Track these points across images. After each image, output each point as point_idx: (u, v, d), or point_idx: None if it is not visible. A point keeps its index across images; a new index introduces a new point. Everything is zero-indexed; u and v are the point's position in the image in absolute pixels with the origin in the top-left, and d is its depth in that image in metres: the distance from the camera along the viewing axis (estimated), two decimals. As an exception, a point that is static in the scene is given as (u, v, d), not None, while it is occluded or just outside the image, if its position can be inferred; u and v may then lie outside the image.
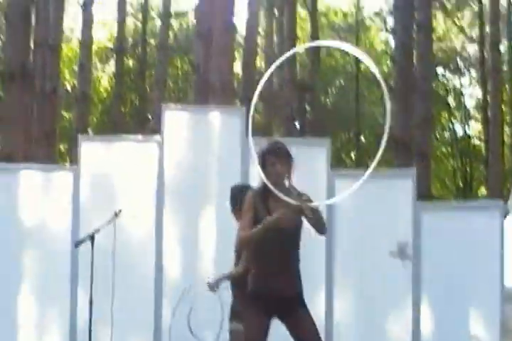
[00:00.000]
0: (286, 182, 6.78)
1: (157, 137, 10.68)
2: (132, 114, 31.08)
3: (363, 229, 10.30)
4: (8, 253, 10.51)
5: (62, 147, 30.63)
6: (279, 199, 6.54)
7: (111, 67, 34.91)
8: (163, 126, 10.62)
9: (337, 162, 29.77)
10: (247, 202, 6.88)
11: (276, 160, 6.75)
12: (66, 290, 10.32)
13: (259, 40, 29.84)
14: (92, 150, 10.71)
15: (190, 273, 10.09)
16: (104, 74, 37.37)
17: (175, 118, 10.70)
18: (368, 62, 6.36)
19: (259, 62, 30.52)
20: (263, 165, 6.79)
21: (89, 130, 30.40)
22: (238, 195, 8.23)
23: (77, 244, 8.93)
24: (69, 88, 32.84)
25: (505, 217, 11.45)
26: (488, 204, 11.63)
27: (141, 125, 27.80)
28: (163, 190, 10.35)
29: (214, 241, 10.24)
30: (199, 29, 16.51)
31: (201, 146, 10.52)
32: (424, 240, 10.34)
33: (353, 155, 34.94)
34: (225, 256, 8.50)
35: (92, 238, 8.61)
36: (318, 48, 29.38)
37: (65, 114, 31.64)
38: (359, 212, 10.35)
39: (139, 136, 11.26)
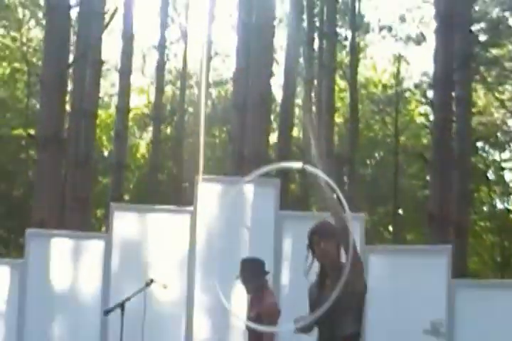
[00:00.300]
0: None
1: (190, 208, 10.77)
2: (169, 182, 31.16)
3: (397, 307, 10.23)
4: (39, 320, 10.57)
5: (99, 212, 30.74)
6: (335, 280, 6.62)
7: (148, 133, 35.12)
8: (196, 197, 10.72)
9: (374, 235, 29.65)
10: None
11: (320, 240, 6.83)
12: (95, 359, 10.35)
13: (297, 111, 29.99)
14: (124, 219, 10.82)
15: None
16: (142, 141, 37.61)
17: (208, 189, 10.79)
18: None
19: (297, 132, 30.63)
20: (310, 245, 6.88)
21: (126, 197, 30.58)
22: (247, 268, 8.38)
23: (106, 312, 8.95)
24: (106, 154, 33.05)
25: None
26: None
27: (178, 193, 27.91)
28: (195, 261, 10.42)
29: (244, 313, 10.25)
30: (235, 99, 16.66)
31: (234, 217, 10.61)
32: (459, 319, 10.25)
33: (390, 228, 34.77)
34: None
35: (122, 307, 8.67)
36: (356, 119, 29.48)
37: (103, 180, 31.79)
38: (394, 288, 10.29)
39: (172, 207, 11.31)
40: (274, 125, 28.03)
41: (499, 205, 36.49)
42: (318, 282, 6.92)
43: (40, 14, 31.87)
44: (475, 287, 10.85)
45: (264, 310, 8.22)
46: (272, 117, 28.15)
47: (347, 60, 32.33)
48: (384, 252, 10.91)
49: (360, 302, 6.80)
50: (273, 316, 8.21)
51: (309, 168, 6.96)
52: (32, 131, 22.88)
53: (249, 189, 10.86)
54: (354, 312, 6.83)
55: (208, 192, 10.77)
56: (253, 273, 8.45)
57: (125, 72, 26.45)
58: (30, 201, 20.20)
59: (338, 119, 31.32)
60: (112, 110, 32.99)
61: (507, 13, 28.47)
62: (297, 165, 6.43)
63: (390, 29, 35.60)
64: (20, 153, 30.38)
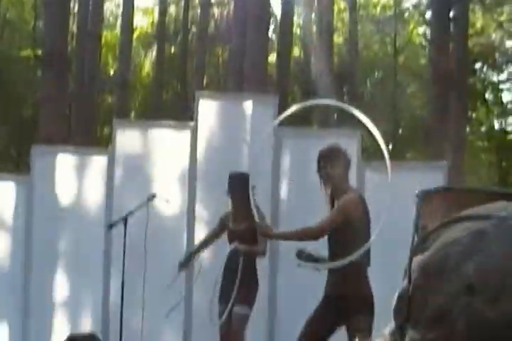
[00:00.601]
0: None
1: (191, 123, 10.73)
2: (173, 100, 31.01)
3: (392, 220, 10.20)
4: (46, 233, 10.62)
5: (105, 130, 30.63)
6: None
7: (153, 53, 34.84)
8: (197, 113, 10.66)
9: (374, 153, 29.61)
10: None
11: (325, 164, 6.91)
12: (99, 270, 10.41)
13: (297, 31, 29.72)
14: (126, 135, 10.77)
15: (221, 256, 10.09)
16: (147, 60, 37.33)
17: (208, 105, 10.74)
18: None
19: (297, 51, 30.40)
20: (318, 170, 6.98)
21: (132, 114, 30.51)
22: (234, 181, 8.40)
23: (110, 226, 9.01)
24: (111, 73, 32.80)
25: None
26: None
27: (182, 111, 27.78)
28: (196, 175, 10.41)
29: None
30: (236, 18, 16.46)
31: (233, 133, 10.56)
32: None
33: (390, 146, 34.74)
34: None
35: (125, 220, 8.72)
36: (356, 39, 29.24)
37: (109, 99, 31.64)
38: (392, 203, 10.25)
39: (173, 122, 11.27)
40: (275, 46, 27.80)
41: (496, 126, 36.44)
42: (329, 204, 7.05)
43: None
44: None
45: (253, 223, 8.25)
46: (274, 37, 27.97)
47: (346, -19, 31.91)
48: (380, 168, 10.86)
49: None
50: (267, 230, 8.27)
51: (340, 104, 7.06)
52: (39, 52, 22.72)
53: (248, 105, 10.80)
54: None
55: (209, 108, 10.71)
56: (239, 186, 8.44)
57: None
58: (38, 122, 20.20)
59: (338, 40, 31.00)
60: (118, 30, 32.64)
61: None
62: (330, 101, 6.49)
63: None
64: (29, 74, 30.16)
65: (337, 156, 7.13)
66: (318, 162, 7.15)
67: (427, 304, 0.72)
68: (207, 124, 10.65)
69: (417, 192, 0.93)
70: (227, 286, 8.48)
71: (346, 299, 6.87)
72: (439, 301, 0.69)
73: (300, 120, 21.57)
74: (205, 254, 9.65)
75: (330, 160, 7.07)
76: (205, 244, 8.95)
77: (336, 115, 26.02)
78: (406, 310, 0.77)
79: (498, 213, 0.70)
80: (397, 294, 0.77)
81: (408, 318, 0.75)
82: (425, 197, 0.88)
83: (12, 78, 29.39)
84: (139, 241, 8.91)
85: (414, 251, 0.77)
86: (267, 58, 16.81)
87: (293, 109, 7.30)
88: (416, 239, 0.81)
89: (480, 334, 0.67)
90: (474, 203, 0.80)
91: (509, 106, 36.60)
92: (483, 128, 36.27)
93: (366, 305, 7.01)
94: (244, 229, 8.51)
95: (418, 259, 0.76)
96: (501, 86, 36.75)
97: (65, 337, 9.64)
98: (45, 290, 10.55)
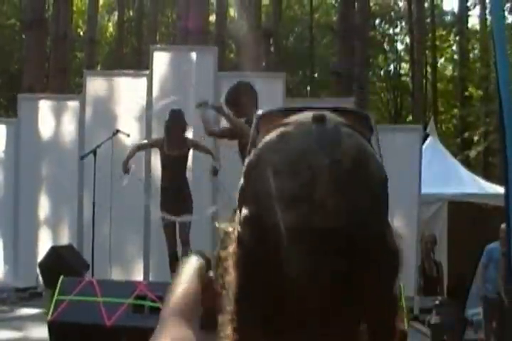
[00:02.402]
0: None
1: (146, 72, 10.63)
2: (131, 54, 30.74)
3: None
4: (31, 164, 10.60)
5: (77, 80, 30.34)
6: None
7: (115, 16, 34.35)
8: (152, 63, 10.55)
9: (296, 95, 29.57)
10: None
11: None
12: (74, 193, 10.36)
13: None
14: (95, 82, 10.70)
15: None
16: (110, 23, 36.82)
17: (160, 56, 10.64)
18: None
19: (232, 11, 30.07)
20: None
21: (98, 67, 30.19)
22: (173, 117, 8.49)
23: (82, 157, 9.04)
24: (81, 33, 32.30)
25: (425, 138, 11.44)
26: (410, 128, 11.66)
27: (138, 63, 27.55)
28: (151, 114, 10.27)
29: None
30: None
31: (182, 79, 10.41)
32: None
33: (308, 89, 34.79)
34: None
35: (94, 152, 8.65)
36: (279, 1, 28.96)
37: (78, 55, 31.31)
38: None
39: (132, 71, 11.23)
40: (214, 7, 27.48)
41: (392, 70, 36.83)
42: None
43: None
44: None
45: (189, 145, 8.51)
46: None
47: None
48: (301, 103, 10.87)
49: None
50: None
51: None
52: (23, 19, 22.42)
53: (193, 56, 10.70)
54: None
55: (161, 59, 10.62)
56: (176, 119, 8.45)
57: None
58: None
59: (265, 1, 30.67)
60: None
61: None
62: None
63: None
64: (15, 36, 29.71)
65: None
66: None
67: (248, 188, 0.87)
68: (160, 72, 10.55)
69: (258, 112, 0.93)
70: (170, 197, 8.50)
71: None
72: (256, 184, 0.85)
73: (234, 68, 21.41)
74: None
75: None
76: (132, 154, 8.78)
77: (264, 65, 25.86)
78: (240, 198, 0.89)
79: (299, 119, 0.89)
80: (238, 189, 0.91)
81: (242, 203, 0.88)
82: (263, 117, 0.89)
83: (1, 41, 28.95)
84: (106, 168, 8.87)
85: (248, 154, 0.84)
86: (208, 18, 16.75)
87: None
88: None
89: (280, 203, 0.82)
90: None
91: (402, 53, 36.85)
92: (381, 72, 36.54)
93: None
94: (178, 155, 8.48)
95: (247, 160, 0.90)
96: (396, 37, 37.00)
97: (49, 248, 9.64)
98: (31, 209, 10.55)
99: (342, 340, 0.88)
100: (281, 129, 0.90)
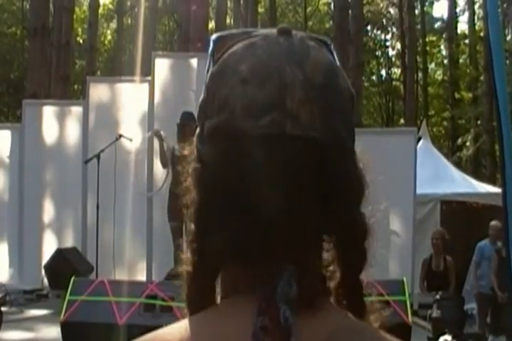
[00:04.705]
0: None
1: (148, 78, 10.59)
2: (130, 62, 30.78)
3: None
4: (35, 168, 10.56)
5: (76, 87, 30.28)
6: None
7: (114, 24, 34.36)
8: (153, 69, 10.51)
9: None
10: None
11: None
12: (78, 197, 10.33)
13: (229, 3, 29.40)
14: (97, 88, 10.68)
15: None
16: (109, 30, 36.83)
17: (162, 63, 10.60)
18: None
19: (229, 19, 30.11)
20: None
21: (98, 73, 30.19)
22: (185, 119, 8.29)
23: (86, 161, 9.01)
24: (81, 41, 32.30)
25: (418, 141, 11.47)
26: (405, 131, 11.69)
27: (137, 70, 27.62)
28: (153, 119, 10.28)
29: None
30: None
31: (182, 84, 10.39)
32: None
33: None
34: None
35: (98, 156, 8.64)
36: (274, 9, 29.04)
37: (78, 62, 31.30)
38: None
39: (134, 77, 11.20)
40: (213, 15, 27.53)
41: (384, 75, 36.95)
42: None
43: None
44: (368, 133, 10.87)
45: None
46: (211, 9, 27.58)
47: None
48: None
49: None
50: None
51: None
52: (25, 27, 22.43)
53: (194, 62, 10.69)
54: None
55: (162, 65, 10.60)
56: (188, 120, 8.36)
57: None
58: (24, 82, 20.13)
59: (261, 10, 30.72)
60: (85, 7, 32.22)
61: None
62: None
63: None
64: (16, 43, 29.67)
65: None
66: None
67: (214, 99, 0.83)
68: (161, 78, 10.52)
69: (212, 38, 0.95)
70: (174, 204, 8.45)
71: None
72: (223, 94, 0.81)
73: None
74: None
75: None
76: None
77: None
78: (203, 113, 0.87)
79: (264, 32, 0.87)
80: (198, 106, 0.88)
81: (205, 118, 0.85)
82: (219, 38, 0.89)
83: (1, 49, 28.91)
84: (110, 172, 8.86)
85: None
86: (207, 25, 16.77)
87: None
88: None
89: (251, 111, 0.80)
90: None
91: (393, 59, 36.95)
92: (374, 77, 36.62)
93: None
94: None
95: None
96: (387, 43, 37.11)
97: (54, 250, 9.63)
98: (36, 213, 10.51)
99: (308, 253, 0.84)
100: (248, 40, 0.87)
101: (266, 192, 0.81)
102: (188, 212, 0.87)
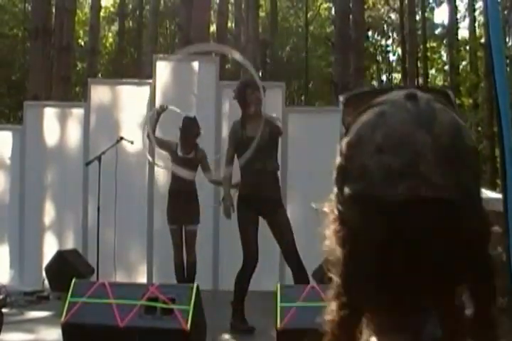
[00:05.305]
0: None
1: (149, 80, 10.62)
2: (131, 64, 30.77)
3: (311, 152, 10.19)
4: (36, 170, 10.57)
5: (77, 89, 30.28)
6: (255, 121, 6.59)
7: (115, 27, 34.37)
8: (154, 72, 10.55)
9: (291, 103, 29.62)
10: (229, 139, 6.93)
11: (255, 90, 6.70)
12: (79, 198, 10.35)
13: (230, 7, 29.43)
14: (98, 90, 10.69)
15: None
16: (110, 33, 36.84)
17: (163, 66, 10.63)
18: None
19: (230, 23, 30.13)
20: (244, 95, 6.75)
21: (99, 76, 30.21)
22: (187, 124, 8.45)
23: (87, 163, 8.99)
24: (82, 44, 32.30)
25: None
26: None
27: (138, 73, 27.58)
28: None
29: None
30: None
31: (184, 87, 10.42)
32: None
33: (303, 98, 34.89)
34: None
35: (99, 159, 8.62)
36: (275, 13, 29.07)
37: (79, 64, 31.29)
38: (308, 139, 10.24)
39: (136, 80, 11.23)
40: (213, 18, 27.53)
41: (384, 79, 36.98)
42: (240, 125, 6.84)
43: None
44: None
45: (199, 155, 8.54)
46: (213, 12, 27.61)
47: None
48: (300, 111, 11.03)
49: (277, 143, 6.84)
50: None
51: (235, 55, 6.88)
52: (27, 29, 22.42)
53: (195, 65, 10.75)
54: (276, 152, 6.84)
55: (164, 68, 10.63)
56: (190, 126, 8.52)
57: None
58: (26, 83, 20.10)
59: (262, 14, 30.74)
60: (87, 9, 32.20)
61: None
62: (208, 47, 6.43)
63: None
64: (17, 45, 29.66)
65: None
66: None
67: (353, 167, 0.91)
68: (162, 81, 10.54)
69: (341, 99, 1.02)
70: (177, 208, 8.43)
71: (263, 200, 6.69)
72: (360, 163, 0.89)
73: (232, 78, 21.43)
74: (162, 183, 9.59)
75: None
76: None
77: (260, 75, 25.89)
78: (341, 178, 0.93)
79: (392, 98, 0.93)
80: (335, 169, 0.95)
81: (343, 182, 0.92)
82: (347, 101, 0.94)
83: (3, 50, 28.90)
84: (110, 174, 8.86)
85: (341, 139, 0.95)
86: (208, 29, 16.77)
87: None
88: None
89: (388, 179, 0.88)
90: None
91: (394, 64, 36.98)
92: (374, 82, 36.65)
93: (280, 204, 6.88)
94: (192, 158, 8.50)
95: (344, 139, 0.96)
96: (388, 49, 37.15)
97: (55, 252, 9.63)
98: (37, 215, 10.52)
99: (451, 297, 0.93)
100: (377, 109, 0.93)
101: (412, 249, 0.89)
102: (332, 267, 0.96)
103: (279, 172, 7.15)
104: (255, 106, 6.70)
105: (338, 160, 0.95)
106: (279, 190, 6.94)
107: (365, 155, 0.90)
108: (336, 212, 0.95)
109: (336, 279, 0.95)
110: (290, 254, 6.75)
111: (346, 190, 0.91)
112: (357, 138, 0.92)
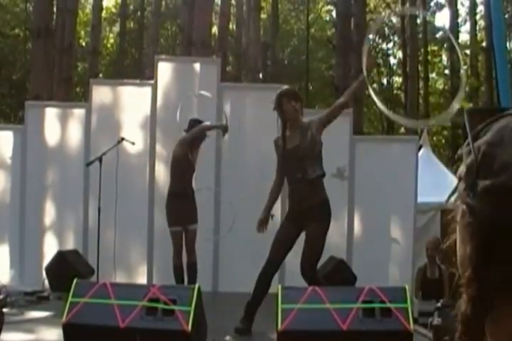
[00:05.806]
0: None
1: (151, 81, 10.63)
2: (132, 65, 30.78)
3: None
4: (37, 170, 10.56)
5: (78, 90, 30.27)
6: (293, 131, 6.59)
7: (116, 27, 34.38)
8: (156, 73, 10.56)
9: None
10: (276, 149, 6.85)
11: (292, 99, 6.68)
12: (80, 199, 10.34)
13: (232, 9, 29.45)
14: (100, 91, 10.67)
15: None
16: (111, 34, 36.84)
17: (165, 67, 10.64)
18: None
19: (232, 25, 30.15)
20: (280, 105, 6.71)
21: (100, 76, 30.23)
22: (193, 126, 8.44)
23: (88, 163, 9.01)
24: (84, 44, 32.31)
25: (419, 149, 11.50)
26: (406, 139, 11.72)
27: (139, 73, 27.57)
28: (156, 122, 10.33)
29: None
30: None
31: (185, 88, 10.40)
32: (357, 165, 10.31)
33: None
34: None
35: (100, 159, 8.64)
36: (277, 15, 29.07)
37: (80, 65, 31.30)
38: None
39: (137, 81, 11.22)
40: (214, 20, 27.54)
41: (385, 83, 37.00)
42: (281, 137, 6.79)
43: None
44: (370, 141, 10.96)
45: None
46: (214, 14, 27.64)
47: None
48: (304, 115, 11.02)
49: (321, 151, 6.72)
50: None
51: None
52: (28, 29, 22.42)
53: (196, 66, 10.77)
54: (320, 158, 6.71)
55: (165, 69, 10.64)
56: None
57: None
58: (27, 83, 20.09)
59: (263, 16, 30.74)
60: (88, 10, 32.22)
61: None
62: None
63: None
64: (19, 45, 29.66)
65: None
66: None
67: (494, 163, 0.99)
68: (164, 82, 10.55)
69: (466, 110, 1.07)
70: (180, 209, 8.43)
71: (307, 210, 6.56)
72: (503, 159, 0.98)
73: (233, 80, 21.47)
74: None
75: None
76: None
77: (261, 77, 25.89)
78: (474, 174, 1.02)
79: None
80: (464, 168, 1.05)
81: (477, 177, 1.01)
82: (471, 112, 1.12)
83: (4, 50, 28.90)
84: (111, 175, 8.88)
85: (469, 144, 1.05)
86: (210, 30, 16.80)
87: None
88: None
89: None
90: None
91: (395, 67, 37.01)
92: (375, 85, 36.69)
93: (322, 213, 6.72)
94: (194, 161, 8.58)
95: (480, 140, 1.03)
96: (389, 52, 37.18)
97: (55, 252, 9.61)
98: (37, 215, 10.50)
99: None
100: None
101: None
102: (461, 261, 1.03)
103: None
104: (292, 115, 6.69)
105: (468, 160, 1.02)
106: (320, 199, 6.67)
107: (507, 152, 0.97)
108: (465, 206, 1.01)
109: (463, 272, 1.01)
110: (303, 269, 6.59)
111: (481, 184, 0.99)
112: (499, 137, 1.00)
